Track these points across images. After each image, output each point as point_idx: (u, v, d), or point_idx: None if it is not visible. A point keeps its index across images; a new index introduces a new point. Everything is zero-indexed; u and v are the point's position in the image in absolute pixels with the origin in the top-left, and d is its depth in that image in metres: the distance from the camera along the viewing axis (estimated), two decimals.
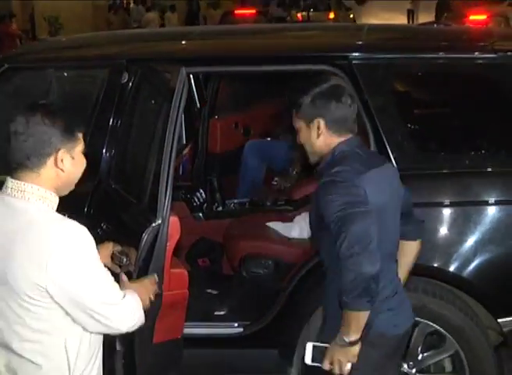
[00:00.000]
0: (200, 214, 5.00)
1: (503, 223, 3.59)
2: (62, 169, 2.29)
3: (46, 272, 2.17)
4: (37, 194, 2.26)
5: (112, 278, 2.38)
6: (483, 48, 3.81)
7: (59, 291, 2.21)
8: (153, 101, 3.80)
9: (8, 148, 2.26)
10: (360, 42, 4.01)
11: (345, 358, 2.65)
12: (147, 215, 3.20)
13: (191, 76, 4.86)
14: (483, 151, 3.72)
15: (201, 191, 5.12)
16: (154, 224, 3.11)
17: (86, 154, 2.39)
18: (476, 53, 3.81)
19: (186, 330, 3.52)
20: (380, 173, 2.78)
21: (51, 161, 2.27)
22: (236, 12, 23.62)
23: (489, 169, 3.66)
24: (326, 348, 2.70)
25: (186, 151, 5.39)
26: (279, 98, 5.20)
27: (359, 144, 2.84)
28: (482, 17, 21.97)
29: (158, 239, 3.12)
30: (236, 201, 5.30)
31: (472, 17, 22.21)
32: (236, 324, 3.96)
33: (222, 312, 4.20)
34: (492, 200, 3.60)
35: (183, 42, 4.34)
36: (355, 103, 2.84)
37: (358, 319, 2.58)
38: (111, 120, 3.87)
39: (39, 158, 2.25)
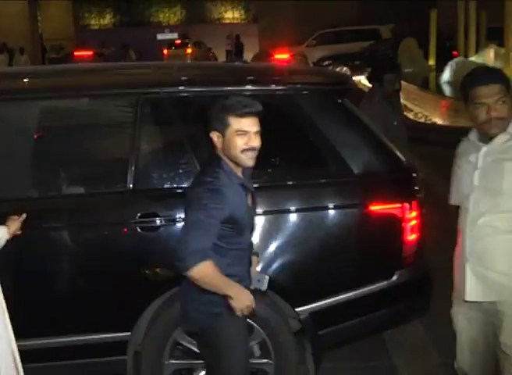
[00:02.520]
0: None
1: (298, 228, 4.02)
2: None
3: None
4: None
5: None
6: (277, 81, 4.23)
7: None
8: None
9: None
10: (167, 78, 4.41)
11: None
12: None
13: None
14: (283, 168, 4.13)
15: None
16: None
17: None
18: (272, 86, 4.19)
19: None
20: None
21: None
22: (76, 53, 24.54)
23: (289, 183, 4.09)
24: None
25: None
26: None
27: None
28: (285, 56, 23.81)
29: None
30: None
31: (277, 56, 24.01)
32: None
33: None
34: (292, 208, 4.02)
35: None
36: None
37: None
38: None
39: None
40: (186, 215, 3.31)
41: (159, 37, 35.56)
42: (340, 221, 4.08)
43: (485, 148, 3.36)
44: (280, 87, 4.19)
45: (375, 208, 4.05)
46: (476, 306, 3.47)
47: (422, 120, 15.12)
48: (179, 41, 33.87)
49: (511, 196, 3.28)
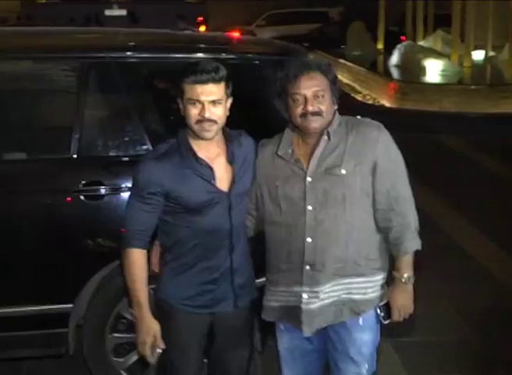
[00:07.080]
0: None
1: None
2: None
3: None
4: None
5: None
6: (227, 50, 4.16)
7: None
8: None
9: None
10: (114, 44, 4.26)
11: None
12: None
13: None
14: None
15: None
16: None
17: None
18: (222, 54, 4.03)
19: None
20: None
21: None
22: None
23: None
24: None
25: None
26: None
27: None
28: (235, 35, 24.09)
29: None
30: None
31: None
32: None
33: None
34: None
35: None
36: None
37: None
38: None
39: None
40: None
41: (107, 13, 34.97)
42: None
43: None
44: (230, 56, 4.08)
45: None
46: None
47: (370, 102, 15.21)
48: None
49: None
